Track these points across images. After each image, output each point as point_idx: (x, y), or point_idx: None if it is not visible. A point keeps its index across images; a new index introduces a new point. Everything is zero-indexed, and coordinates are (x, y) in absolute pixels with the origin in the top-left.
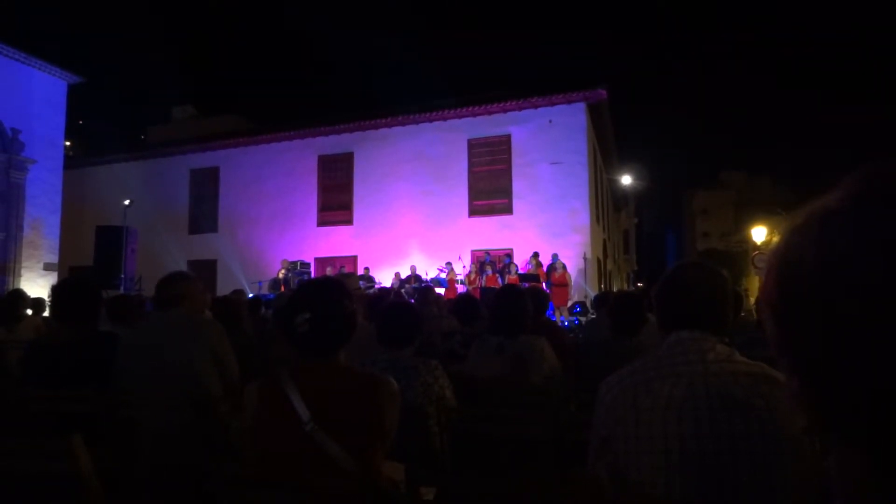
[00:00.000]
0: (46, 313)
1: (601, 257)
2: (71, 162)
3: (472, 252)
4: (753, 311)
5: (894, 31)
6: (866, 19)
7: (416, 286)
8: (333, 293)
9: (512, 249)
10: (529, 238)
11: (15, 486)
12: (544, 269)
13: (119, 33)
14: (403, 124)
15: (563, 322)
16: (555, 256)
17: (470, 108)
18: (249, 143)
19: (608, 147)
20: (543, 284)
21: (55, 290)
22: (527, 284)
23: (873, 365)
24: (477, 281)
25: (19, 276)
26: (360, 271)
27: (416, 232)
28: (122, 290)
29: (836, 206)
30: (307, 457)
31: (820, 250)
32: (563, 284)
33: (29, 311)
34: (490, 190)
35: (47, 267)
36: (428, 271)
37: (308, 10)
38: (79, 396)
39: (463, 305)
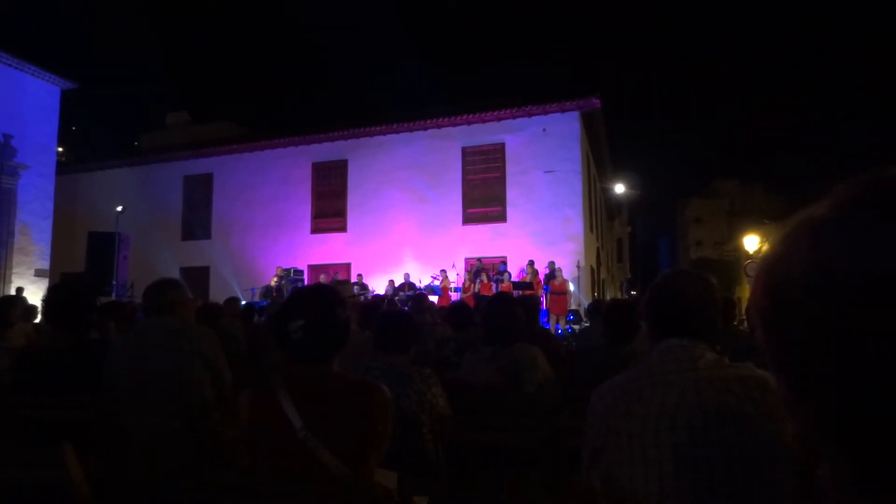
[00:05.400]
0: (37, 320)
1: (595, 266)
2: (63, 168)
3: (466, 260)
4: (745, 320)
5: (887, 43)
6: (859, 31)
7: (409, 294)
8: (327, 300)
9: (506, 257)
10: (523, 246)
11: (5, 495)
12: (541, 277)
13: (113, 39)
14: (397, 132)
15: (558, 330)
16: (551, 265)
17: (464, 116)
18: (243, 149)
19: (602, 156)
20: (542, 292)
21: (49, 295)
22: (518, 293)
23: (860, 374)
24: (470, 288)
25: (10, 282)
26: (354, 279)
27: (409, 239)
28: (113, 297)
29: (825, 216)
30: (300, 464)
31: (808, 259)
32: (563, 293)
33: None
34: (484, 198)
35: (38, 273)
36: (422, 279)
37: (303, 18)
38: (70, 404)
39: (456, 313)
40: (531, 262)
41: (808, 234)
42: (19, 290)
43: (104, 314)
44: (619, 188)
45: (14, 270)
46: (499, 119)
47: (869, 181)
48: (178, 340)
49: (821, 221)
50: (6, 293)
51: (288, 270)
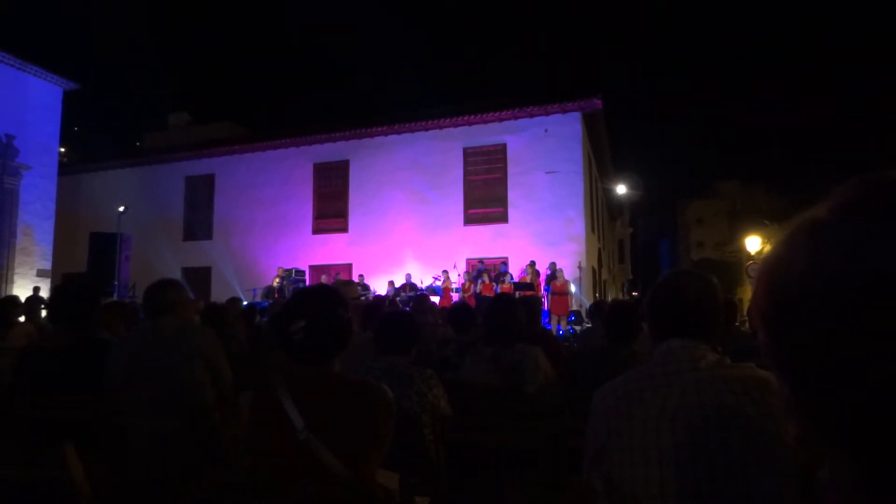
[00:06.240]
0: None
1: (596, 266)
2: (65, 168)
3: (468, 260)
4: (747, 321)
5: (889, 42)
6: (862, 33)
7: (411, 294)
8: (329, 301)
9: (507, 258)
10: (524, 247)
11: (5, 495)
12: (541, 277)
13: (115, 40)
14: (399, 132)
15: (559, 331)
16: (552, 266)
17: (465, 117)
18: (245, 150)
19: (603, 156)
20: (543, 293)
21: (53, 294)
22: (519, 293)
23: (860, 375)
24: (471, 289)
25: (12, 282)
26: (356, 279)
27: (411, 240)
28: (115, 297)
29: (825, 218)
30: (301, 465)
31: (808, 261)
32: (564, 293)
33: (21, 318)
34: (485, 198)
35: (40, 273)
36: (423, 279)
37: (305, 19)
38: (71, 404)
39: (458, 314)
40: (532, 263)
41: (808, 236)
42: (36, 289)
43: (111, 312)
44: (621, 189)
45: (16, 271)
46: (500, 120)
47: (868, 183)
48: (178, 341)
49: (820, 223)
50: (8, 293)
51: (289, 271)
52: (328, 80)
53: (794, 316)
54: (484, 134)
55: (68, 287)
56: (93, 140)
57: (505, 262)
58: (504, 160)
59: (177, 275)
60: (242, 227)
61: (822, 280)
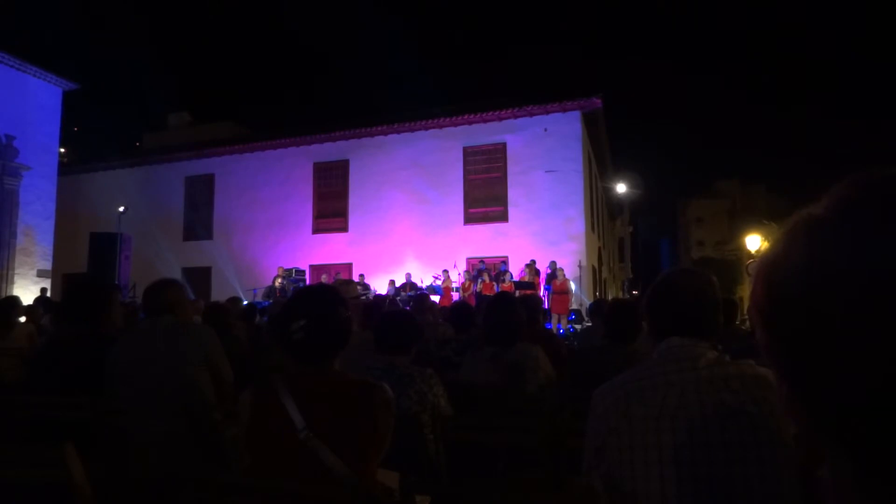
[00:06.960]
0: (41, 320)
1: (596, 265)
2: (65, 168)
3: (468, 260)
4: (747, 320)
5: (889, 43)
6: (864, 31)
7: (411, 294)
8: (329, 300)
9: (507, 257)
10: (525, 246)
11: (5, 495)
12: (541, 277)
13: (115, 40)
14: (399, 132)
15: (559, 330)
16: (553, 265)
17: (465, 116)
18: (245, 150)
19: (603, 155)
20: (542, 291)
21: (69, 291)
22: (519, 292)
23: (858, 372)
24: (471, 288)
25: (12, 282)
26: (356, 279)
27: (411, 239)
28: None
29: (823, 215)
30: (301, 464)
31: (805, 258)
32: (564, 292)
33: (22, 319)
34: (485, 198)
35: (41, 274)
36: (423, 279)
37: (305, 19)
38: (71, 404)
39: (458, 313)
40: (531, 263)
41: (806, 233)
42: (43, 290)
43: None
44: (621, 188)
45: (16, 271)
46: (500, 119)
47: (866, 180)
48: (178, 340)
49: (818, 220)
50: (9, 294)
51: (290, 270)
52: (328, 80)
53: (791, 313)
54: (484, 133)
55: (82, 285)
56: (93, 140)
57: (505, 262)
58: (504, 159)
59: (177, 275)
60: (242, 227)
61: (819, 277)
